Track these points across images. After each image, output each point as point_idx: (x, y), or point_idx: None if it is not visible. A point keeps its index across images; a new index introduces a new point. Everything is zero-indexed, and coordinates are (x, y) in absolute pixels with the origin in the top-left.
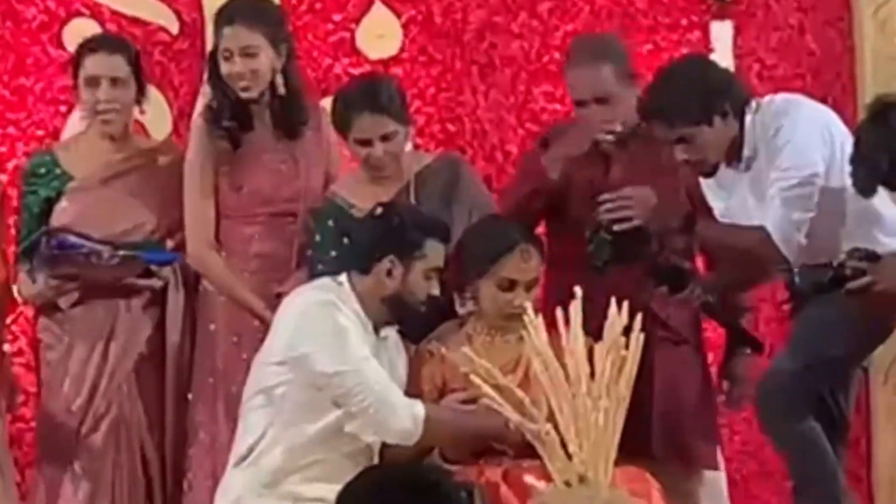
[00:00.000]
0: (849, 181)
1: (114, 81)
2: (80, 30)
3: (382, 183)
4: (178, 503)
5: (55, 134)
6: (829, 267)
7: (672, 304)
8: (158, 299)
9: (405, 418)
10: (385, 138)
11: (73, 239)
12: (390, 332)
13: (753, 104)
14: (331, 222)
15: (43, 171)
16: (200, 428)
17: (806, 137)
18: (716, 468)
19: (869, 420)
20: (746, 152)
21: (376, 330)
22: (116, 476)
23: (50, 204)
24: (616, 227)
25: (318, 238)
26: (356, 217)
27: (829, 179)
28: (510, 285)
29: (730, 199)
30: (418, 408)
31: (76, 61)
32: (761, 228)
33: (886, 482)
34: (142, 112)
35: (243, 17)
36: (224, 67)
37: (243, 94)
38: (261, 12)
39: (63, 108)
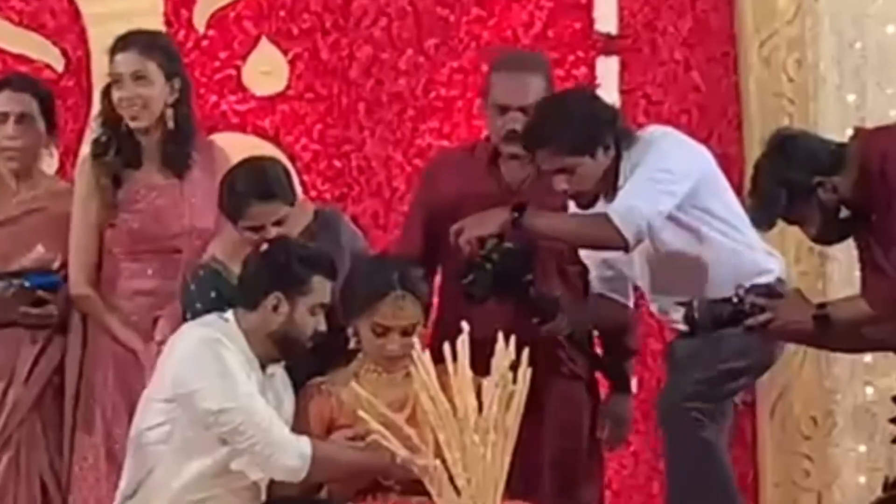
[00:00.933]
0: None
1: (20, 119)
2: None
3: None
4: None
5: None
6: (729, 302)
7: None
8: (60, 328)
9: (292, 455)
10: (277, 223)
11: None
12: (277, 369)
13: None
14: (213, 294)
15: None
16: (84, 461)
17: (670, 147)
18: None
19: (755, 454)
20: (621, 182)
21: (263, 367)
22: None
23: None
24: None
25: (197, 305)
26: (234, 284)
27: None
28: (383, 331)
29: None
30: (305, 445)
31: None
32: (601, 214)
33: None
34: (50, 154)
35: (137, 44)
36: (115, 94)
37: (132, 124)
38: (155, 43)
39: None
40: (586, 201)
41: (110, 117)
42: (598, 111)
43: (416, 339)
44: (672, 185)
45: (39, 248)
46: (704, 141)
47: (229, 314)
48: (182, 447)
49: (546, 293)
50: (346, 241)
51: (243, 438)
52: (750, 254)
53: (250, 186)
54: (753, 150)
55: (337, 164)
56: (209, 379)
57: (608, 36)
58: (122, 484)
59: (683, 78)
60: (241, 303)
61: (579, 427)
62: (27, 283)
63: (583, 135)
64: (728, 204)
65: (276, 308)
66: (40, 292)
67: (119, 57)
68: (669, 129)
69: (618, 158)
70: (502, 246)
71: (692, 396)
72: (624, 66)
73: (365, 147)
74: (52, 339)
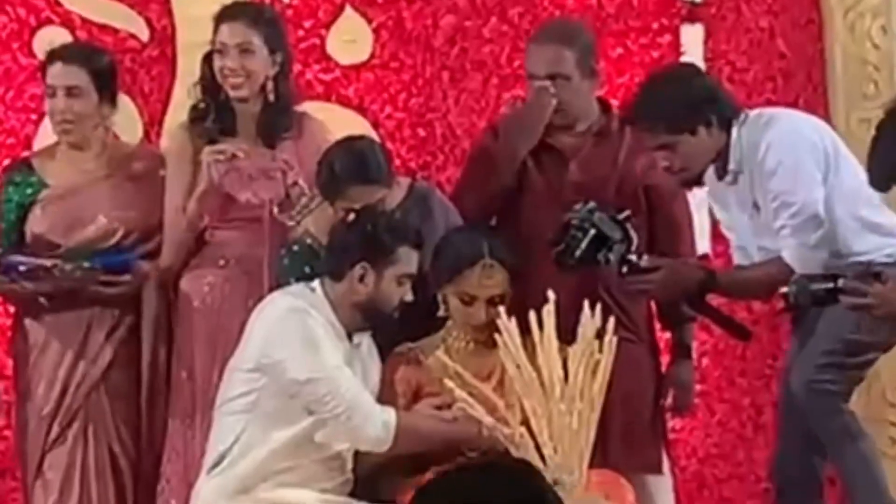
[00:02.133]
0: (840, 186)
1: (69, 92)
2: (50, 38)
3: None
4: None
5: (26, 142)
6: (829, 279)
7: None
8: (134, 304)
9: (376, 426)
10: None
11: (17, 259)
12: (363, 338)
13: (742, 117)
14: (307, 269)
15: (18, 179)
16: (175, 434)
17: (797, 158)
18: (661, 472)
19: None
20: (732, 166)
21: (349, 336)
22: (85, 484)
23: (25, 211)
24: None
25: (290, 280)
26: (317, 250)
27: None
28: (470, 299)
29: (725, 213)
30: (390, 415)
31: (42, 72)
32: (779, 261)
33: None
34: (111, 125)
35: (245, 16)
36: (217, 61)
37: (233, 93)
38: (262, 16)
39: (34, 117)
40: (691, 178)
41: (210, 85)
42: (696, 89)
43: (501, 309)
44: (816, 203)
45: (101, 219)
46: (790, 107)
47: (316, 284)
48: (267, 416)
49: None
50: (438, 214)
51: (328, 409)
52: (856, 229)
53: (351, 170)
54: (839, 118)
55: (421, 132)
56: (296, 349)
57: (692, 3)
58: (208, 453)
59: (768, 45)
60: (327, 273)
61: (644, 393)
62: (94, 265)
63: (679, 112)
64: (843, 179)
65: (362, 278)
66: (106, 276)
67: (225, 27)
68: (783, 118)
69: (727, 136)
70: (596, 213)
71: (823, 369)
72: (709, 34)
73: (449, 115)
74: (124, 314)
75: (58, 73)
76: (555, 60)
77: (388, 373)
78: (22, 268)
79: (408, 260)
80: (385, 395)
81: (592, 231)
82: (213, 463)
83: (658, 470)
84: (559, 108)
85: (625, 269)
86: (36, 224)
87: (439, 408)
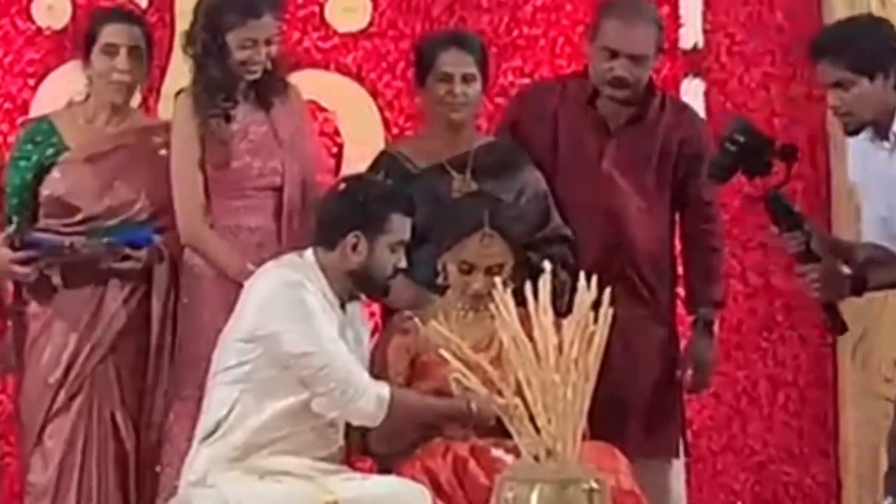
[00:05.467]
0: None
1: (131, 51)
2: (48, 3)
3: (446, 141)
4: (154, 479)
5: (24, 107)
6: None
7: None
8: (145, 275)
9: (371, 401)
10: (466, 79)
11: (39, 236)
12: (356, 306)
13: None
14: (381, 173)
15: (39, 138)
16: (176, 403)
17: None
18: (678, 456)
19: (836, 396)
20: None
21: (343, 306)
22: (87, 453)
23: (42, 171)
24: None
25: None
26: (409, 171)
27: None
28: (469, 268)
29: (863, 174)
30: (384, 390)
31: (91, 30)
32: None
33: (853, 458)
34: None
35: (273, 8)
36: (242, 55)
37: (249, 77)
38: (279, 1)
39: (31, 81)
40: (853, 126)
41: (224, 67)
42: (888, 36)
43: (498, 280)
44: None
45: (122, 187)
46: (788, 81)
47: (309, 253)
48: (261, 387)
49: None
50: (525, 171)
51: (322, 382)
52: None
53: (449, 36)
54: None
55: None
56: (291, 322)
57: None
58: (201, 423)
59: (767, 18)
60: (320, 242)
61: (666, 377)
62: (113, 242)
63: (864, 53)
64: None
65: (355, 247)
66: (126, 250)
67: (254, 22)
68: None
69: None
70: (743, 125)
71: None
72: (707, 6)
73: None
74: (137, 287)
75: (123, 33)
76: (640, 40)
77: (385, 340)
78: (40, 244)
79: (400, 227)
80: (382, 360)
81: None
82: (206, 432)
83: (676, 454)
84: (632, 85)
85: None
86: (54, 186)
87: (437, 394)
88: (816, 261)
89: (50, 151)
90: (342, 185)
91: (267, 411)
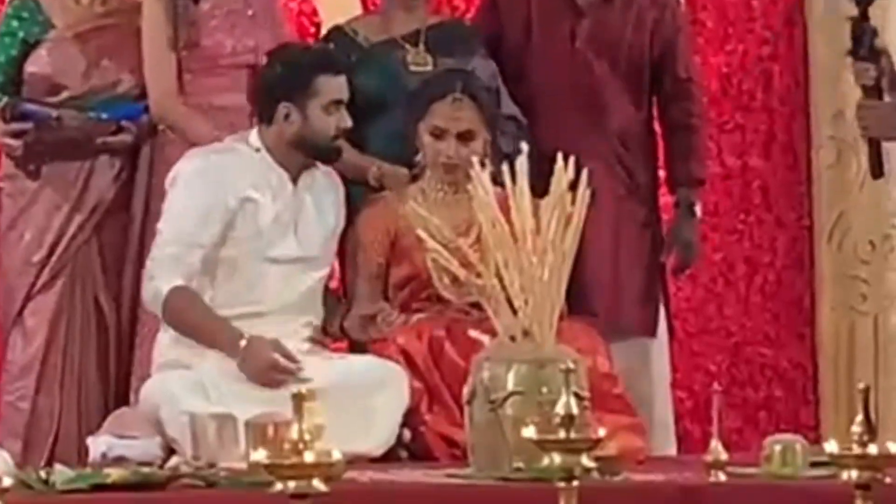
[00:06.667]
0: None
1: None
2: None
3: (399, 19)
4: (130, 356)
5: None
6: None
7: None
8: (132, 153)
9: (149, 290)
10: None
11: (31, 107)
12: (316, 176)
13: None
14: (331, 45)
15: (25, 14)
16: None
17: None
18: (654, 335)
19: (812, 278)
20: None
21: (295, 179)
22: (70, 334)
23: (27, 48)
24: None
25: None
26: (360, 44)
27: None
28: (440, 133)
29: None
30: (163, 286)
31: None
32: None
33: (830, 340)
34: None
35: None
36: None
37: None
38: None
39: None
40: None
41: None
42: None
43: (475, 159)
44: None
45: (108, 67)
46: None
47: (253, 132)
48: (203, 267)
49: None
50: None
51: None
52: None
53: None
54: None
55: None
56: (172, 202)
57: None
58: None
59: None
60: (261, 119)
61: (642, 255)
62: (104, 116)
63: None
64: None
65: (287, 117)
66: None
67: None
68: None
69: None
70: None
71: None
72: None
73: None
74: (124, 166)
75: None
76: None
77: (365, 218)
78: (32, 115)
79: (329, 88)
80: (363, 237)
81: None
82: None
83: (651, 332)
84: None
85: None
86: (40, 64)
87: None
88: (880, 98)
89: (36, 29)
90: (263, 60)
91: (208, 293)
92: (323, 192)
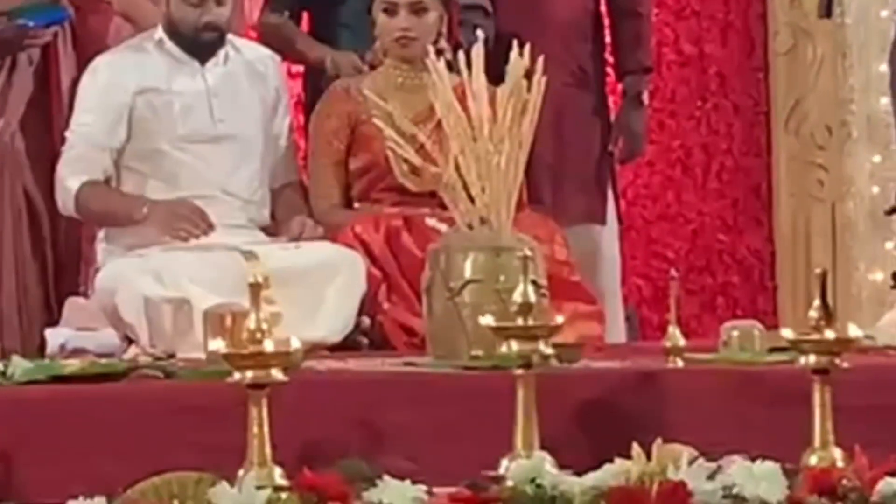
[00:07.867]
0: None
1: None
2: None
3: None
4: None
5: None
6: None
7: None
8: (49, 52)
9: (60, 194)
10: None
11: None
12: (230, 54)
13: None
14: None
15: None
16: None
17: None
18: (605, 223)
19: (769, 164)
20: None
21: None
22: (1, 224)
23: None
24: None
25: None
26: None
27: None
28: (392, 7)
29: None
30: (73, 188)
31: None
32: None
33: (787, 226)
34: None
35: None
36: None
37: None
38: None
39: None
40: None
41: None
42: None
43: (431, 48)
44: None
45: None
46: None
47: (160, 25)
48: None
49: None
50: None
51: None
52: None
53: None
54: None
55: None
56: (75, 109)
57: None
58: None
59: None
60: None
61: (589, 141)
62: (31, 24)
63: None
64: None
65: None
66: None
67: None
68: None
69: None
70: None
71: None
72: None
73: None
74: (43, 62)
75: None
76: None
77: (324, 105)
78: None
79: None
80: (327, 125)
81: None
82: None
83: (601, 220)
84: None
85: None
86: None
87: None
88: None
89: None
90: None
91: (141, 189)
92: (247, 76)
